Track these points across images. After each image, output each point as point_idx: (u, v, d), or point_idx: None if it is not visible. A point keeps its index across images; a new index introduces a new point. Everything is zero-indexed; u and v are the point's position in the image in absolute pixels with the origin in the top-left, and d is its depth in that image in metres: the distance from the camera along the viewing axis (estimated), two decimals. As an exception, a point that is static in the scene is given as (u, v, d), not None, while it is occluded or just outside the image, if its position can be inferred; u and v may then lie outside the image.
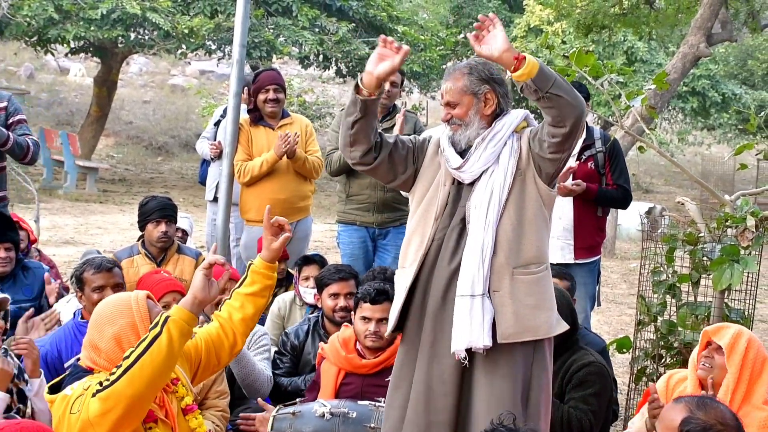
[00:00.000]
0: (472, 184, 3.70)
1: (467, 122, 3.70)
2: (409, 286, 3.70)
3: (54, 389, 3.35)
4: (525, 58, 3.43)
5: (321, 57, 18.00)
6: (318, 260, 5.98)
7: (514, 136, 3.73)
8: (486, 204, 3.64)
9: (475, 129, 3.70)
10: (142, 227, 5.88)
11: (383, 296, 4.51)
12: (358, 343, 4.64)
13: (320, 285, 5.28)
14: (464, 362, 3.61)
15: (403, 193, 4.03)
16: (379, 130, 3.77)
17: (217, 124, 7.46)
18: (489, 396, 3.60)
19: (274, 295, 6.24)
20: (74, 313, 4.59)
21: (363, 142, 3.67)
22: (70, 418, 3.11)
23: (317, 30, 17.31)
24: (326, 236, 12.81)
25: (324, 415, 4.22)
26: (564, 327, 3.76)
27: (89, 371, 3.31)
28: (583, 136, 5.98)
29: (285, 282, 6.35)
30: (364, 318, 4.57)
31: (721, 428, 3.05)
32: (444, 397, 3.64)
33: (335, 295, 5.18)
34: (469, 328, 3.56)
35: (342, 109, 6.81)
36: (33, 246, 6.12)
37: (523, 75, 3.43)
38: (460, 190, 3.73)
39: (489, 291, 3.60)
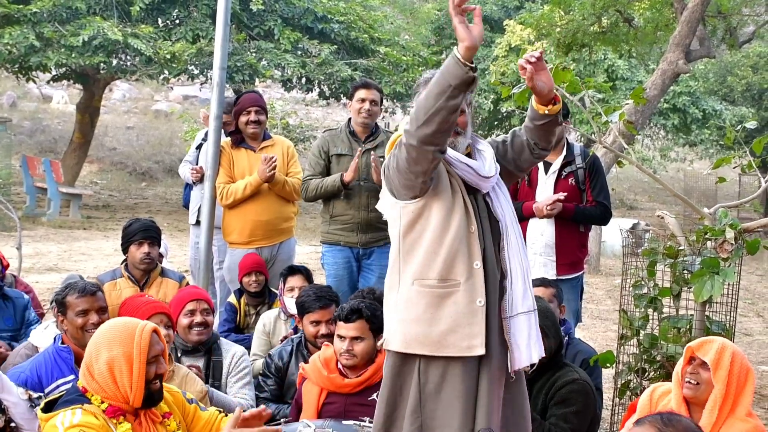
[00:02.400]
0: (485, 194, 3.69)
1: (466, 131, 3.67)
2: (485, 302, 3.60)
3: (49, 405, 3.35)
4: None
5: (304, 80, 18.03)
6: (303, 271, 5.99)
7: None
8: (513, 217, 3.71)
9: (467, 138, 3.68)
10: (125, 249, 5.84)
11: (356, 315, 4.50)
12: (339, 362, 4.63)
13: (301, 310, 5.25)
14: (513, 377, 3.67)
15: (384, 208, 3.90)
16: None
17: (199, 147, 7.47)
18: (524, 409, 3.75)
19: (257, 314, 6.27)
20: (54, 338, 4.54)
21: (453, 126, 3.49)
22: None
23: (299, 53, 17.37)
24: (311, 258, 12.79)
25: (309, 435, 4.19)
26: None
27: (83, 394, 3.29)
28: (564, 152, 6.03)
29: (267, 298, 6.35)
30: (339, 336, 4.56)
31: None
32: (497, 413, 3.62)
33: (316, 323, 5.15)
34: (538, 343, 3.66)
35: (327, 130, 6.83)
36: (7, 271, 6.06)
37: (556, 108, 3.56)
38: (477, 200, 3.67)
39: None
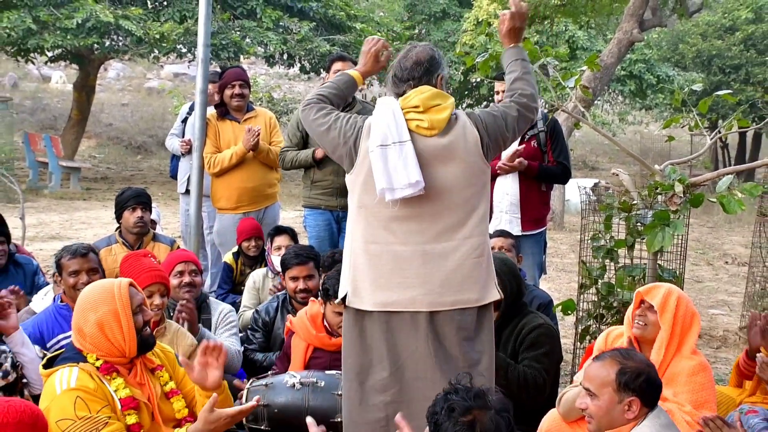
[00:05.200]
0: None
1: None
2: None
3: (50, 361, 3.35)
4: None
5: (285, 55, 17.89)
6: (288, 231, 6.01)
7: None
8: None
9: None
10: (119, 216, 5.82)
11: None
12: (325, 319, 4.63)
13: (283, 267, 5.27)
14: None
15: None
16: None
17: (184, 120, 7.43)
18: None
19: (251, 271, 6.28)
20: (54, 298, 4.54)
21: None
22: (50, 419, 3.07)
23: (281, 30, 17.20)
24: (296, 222, 12.77)
25: (294, 386, 4.19)
26: (338, 300, 3.68)
27: (79, 353, 3.29)
28: (527, 117, 6.04)
29: (260, 258, 6.36)
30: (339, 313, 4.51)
31: (649, 369, 3.15)
32: None
33: (295, 279, 5.16)
34: None
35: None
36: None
37: None
38: None
39: None
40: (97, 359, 3.27)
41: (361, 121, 3.57)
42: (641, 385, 3.10)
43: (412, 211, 3.48)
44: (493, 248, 5.12)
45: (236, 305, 5.79)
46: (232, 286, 6.40)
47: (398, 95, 3.60)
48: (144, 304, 3.42)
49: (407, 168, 3.40)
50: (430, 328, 3.50)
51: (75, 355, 3.29)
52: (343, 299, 3.56)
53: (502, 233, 5.55)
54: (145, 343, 3.37)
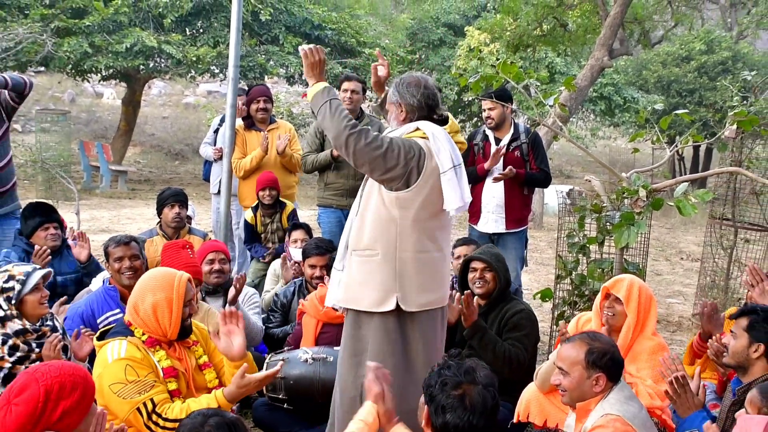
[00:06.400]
0: None
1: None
2: None
3: (102, 334, 3.36)
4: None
5: (304, 76, 17.88)
6: (304, 226, 6.00)
7: None
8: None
9: None
10: (159, 212, 5.82)
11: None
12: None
13: (304, 255, 5.24)
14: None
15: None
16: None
17: (216, 131, 7.43)
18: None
19: (272, 222, 6.40)
20: (103, 281, 4.54)
21: None
22: (102, 384, 3.08)
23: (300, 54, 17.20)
24: (311, 219, 12.73)
25: (307, 360, 4.18)
26: (389, 307, 3.40)
27: (128, 328, 3.29)
28: (511, 131, 6.02)
29: (278, 208, 6.38)
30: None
31: (613, 349, 3.13)
32: None
33: (313, 266, 5.14)
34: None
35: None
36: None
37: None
38: None
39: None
40: (143, 334, 3.27)
41: (416, 144, 3.36)
42: (607, 362, 3.09)
43: (447, 221, 3.49)
44: (459, 257, 5.12)
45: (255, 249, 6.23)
46: (251, 236, 6.46)
47: (432, 120, 3.46)
48: (193, 299, 3.41)
49: (467, 185, 3.44)
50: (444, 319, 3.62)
51: (124, 330, 3.30)
52: (397, 306, 3.38)
53: (465, 241, 5.47)
54: (185, 332, 3.38)
